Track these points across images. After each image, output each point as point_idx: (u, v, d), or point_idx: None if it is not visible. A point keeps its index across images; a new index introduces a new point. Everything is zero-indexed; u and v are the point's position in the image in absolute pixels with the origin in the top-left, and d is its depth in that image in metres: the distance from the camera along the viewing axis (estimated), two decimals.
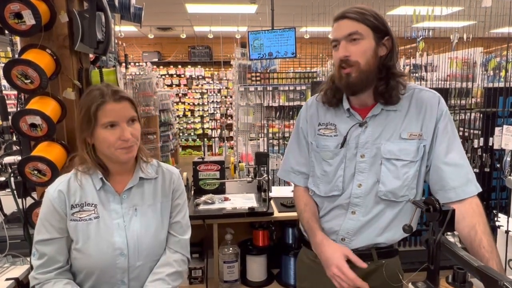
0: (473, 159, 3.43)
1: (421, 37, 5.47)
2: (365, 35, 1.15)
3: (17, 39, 2.29)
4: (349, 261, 1.20)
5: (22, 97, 1.79)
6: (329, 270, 1.21)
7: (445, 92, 3.47)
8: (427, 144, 1.20)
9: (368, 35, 1.15)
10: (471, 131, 3.55)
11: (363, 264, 1.18)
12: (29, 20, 1.33)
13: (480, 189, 1.18)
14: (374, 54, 1.17)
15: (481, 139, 3.41)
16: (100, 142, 1.15)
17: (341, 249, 1.22)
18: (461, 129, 3.60)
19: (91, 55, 1.78)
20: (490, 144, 3.34)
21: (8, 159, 1.68)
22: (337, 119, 1.29)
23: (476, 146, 3.43)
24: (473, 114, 3.55)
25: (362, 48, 1.15)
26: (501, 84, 3.50)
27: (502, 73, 4.17)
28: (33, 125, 1.38)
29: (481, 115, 3.45)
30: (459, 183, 1.16)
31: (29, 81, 1.35)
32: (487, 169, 3.43)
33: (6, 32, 2.22)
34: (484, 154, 3.42)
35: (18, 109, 1.54)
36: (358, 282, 1.15)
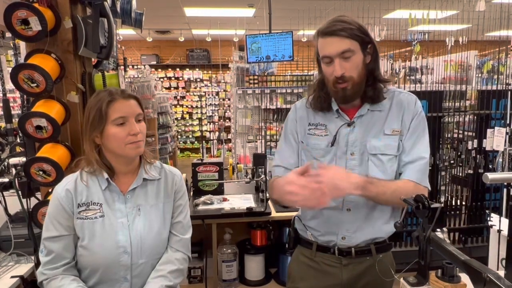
0: (468, 160, 3.48)
1: (417, 40, 5.53)
2: (356, 50, 1.22)
3: (20, 42, 2.32)
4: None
5: (25, 100, 1.84)
6: (284, 191, 1.16)
7: (440, 95, 3.52)
8: (403, 140, 1.30)
9: (357, 49, 1.23)
10: (466, 133, 3.60)
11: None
12: (35, 26, 1.38)
13: (423, 179, 1.27)
14: (363, 65, 1.26)
15: (475, 141, 3.47)
16: (111, 138, 1.19)
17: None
18: (456, 130, 3.65)
19: (93, 59, 1.83)
20: (484, 145, 3.39)
21: (13, 160, 1.72)
22: (326, 119, 1.36)
23: (470, 147, 3.48)
24: (467, 116, 3.60)
25: (355, 63, 1.23)
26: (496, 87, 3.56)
27: (496, 76, 4.23)
28: (38, 127, 1.43)
29: (475, 117, 3.51)
30: (413, 173, 1.27)
31: (35, 84, 1.39)
32: (481, 170, 3.48)
33: (8, 35, 2.26)
34: (478, 156, 3.47)
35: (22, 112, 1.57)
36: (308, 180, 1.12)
